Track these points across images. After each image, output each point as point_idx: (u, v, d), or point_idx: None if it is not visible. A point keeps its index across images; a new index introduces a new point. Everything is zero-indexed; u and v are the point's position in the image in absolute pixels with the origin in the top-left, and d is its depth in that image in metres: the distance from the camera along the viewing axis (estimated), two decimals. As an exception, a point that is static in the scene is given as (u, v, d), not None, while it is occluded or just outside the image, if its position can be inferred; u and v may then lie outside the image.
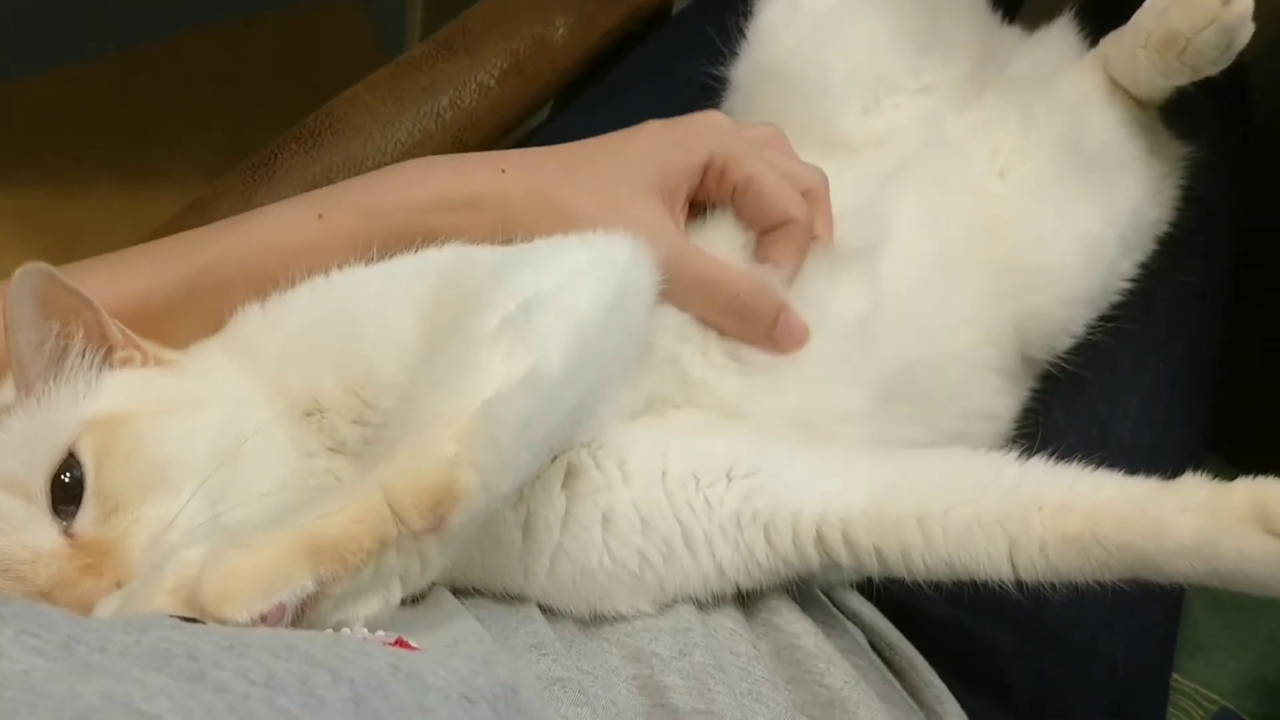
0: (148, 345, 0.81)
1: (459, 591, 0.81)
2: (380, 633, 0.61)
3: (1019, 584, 0.77)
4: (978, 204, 1.03)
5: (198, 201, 1.13)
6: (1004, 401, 1.03)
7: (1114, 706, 1.02)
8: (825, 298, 0.92)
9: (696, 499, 0.81)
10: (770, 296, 0.87)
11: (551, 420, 0.70)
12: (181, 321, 0.85)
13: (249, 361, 0.82)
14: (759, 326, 0.87)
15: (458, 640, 0.66)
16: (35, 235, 1.93)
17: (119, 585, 0.67)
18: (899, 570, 0.80)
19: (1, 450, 0.72)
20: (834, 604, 0.94)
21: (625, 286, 0.78)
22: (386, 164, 0.95)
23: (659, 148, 0.90)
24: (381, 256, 0.85)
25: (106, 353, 0.78)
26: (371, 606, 0.63)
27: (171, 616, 0.54)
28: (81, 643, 0.45)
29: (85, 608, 0.66)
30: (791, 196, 0.90)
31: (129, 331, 0.79)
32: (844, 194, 0.97)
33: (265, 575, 0.57)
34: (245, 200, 1.11)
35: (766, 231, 0.91)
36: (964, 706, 0.90)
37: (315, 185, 1.07)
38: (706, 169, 0.89)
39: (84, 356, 0.76)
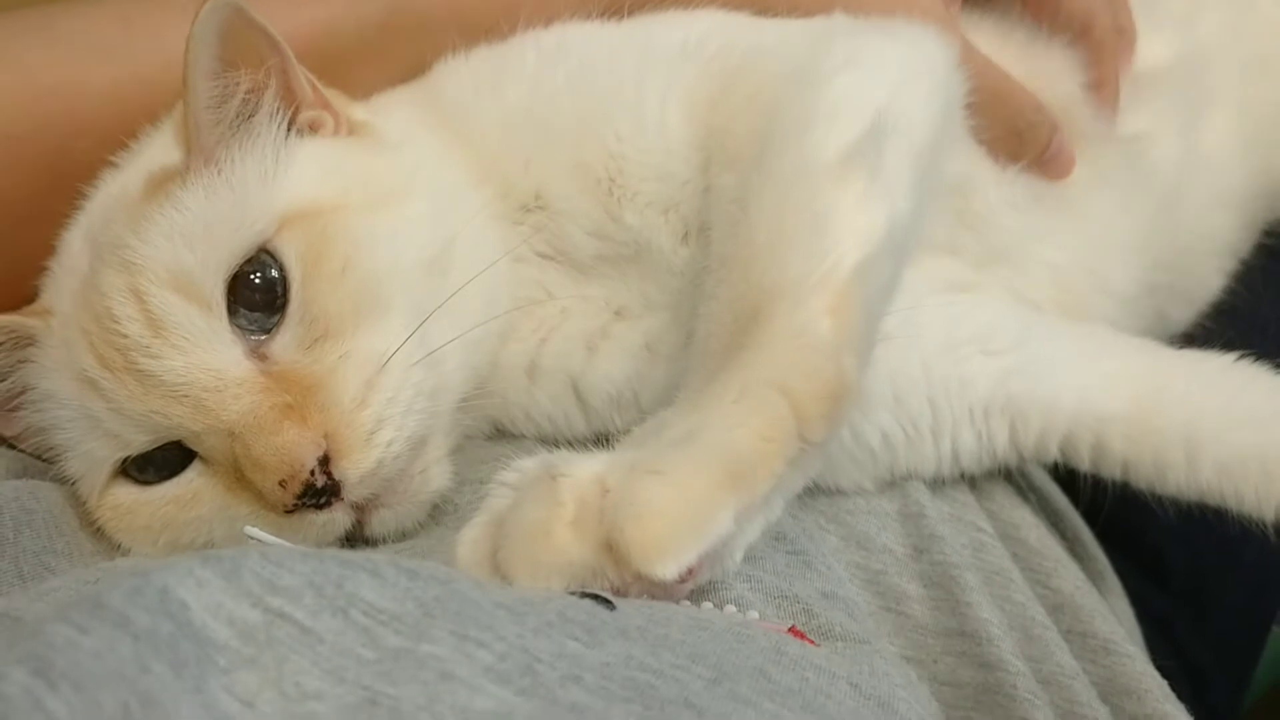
0: (337, 100, 0.65)
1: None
2: (754, 614, 0.51)
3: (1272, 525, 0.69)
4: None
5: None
6: (1217, 285, 0.92)
7: (1260, 589, 0.98)
8: (1137, 138, 0.80)
9: (952, 375, 0.70)
10: (1048, 114, 0.77)
11: (897, 277, 0.58)
12: (370, 64, 0.69)
13: (456, 131, 0.67)
14: (1035, 146, 0.77)
15: None
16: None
17: (326, 438, 0.55)
18: (1140, 485, 0.72)
19: (172, 234, 0.57)
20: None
21: (949, 100, 0.65)
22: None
23: None
24: (609, 11, 0.70)
25: (294, 113, 0.62)
26: (754, 534, 0.52)
27: (583, 596, 0.43)
28: (543, 662, 0.37)
29: (287, 464, 0.54)
30: (1117, 29, 0.77)
31: (319, 85, 0.64)
32: None
33: (691, 514, 0.45)
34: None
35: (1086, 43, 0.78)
36: (1122, 581, 0.85)
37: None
38: None
39: (273, 118, 0.61)
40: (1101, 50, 0.77)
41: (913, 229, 0.58)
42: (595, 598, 0.44)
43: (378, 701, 0.35)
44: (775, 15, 0.72)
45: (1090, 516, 0.86)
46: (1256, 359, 0.95)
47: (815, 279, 0.52)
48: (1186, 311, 0.90)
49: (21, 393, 0.62)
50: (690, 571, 0.46)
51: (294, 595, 0.37)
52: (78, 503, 0.61)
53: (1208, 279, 0.90)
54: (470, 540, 0.49)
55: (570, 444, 0.69)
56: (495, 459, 0.64)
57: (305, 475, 0.54)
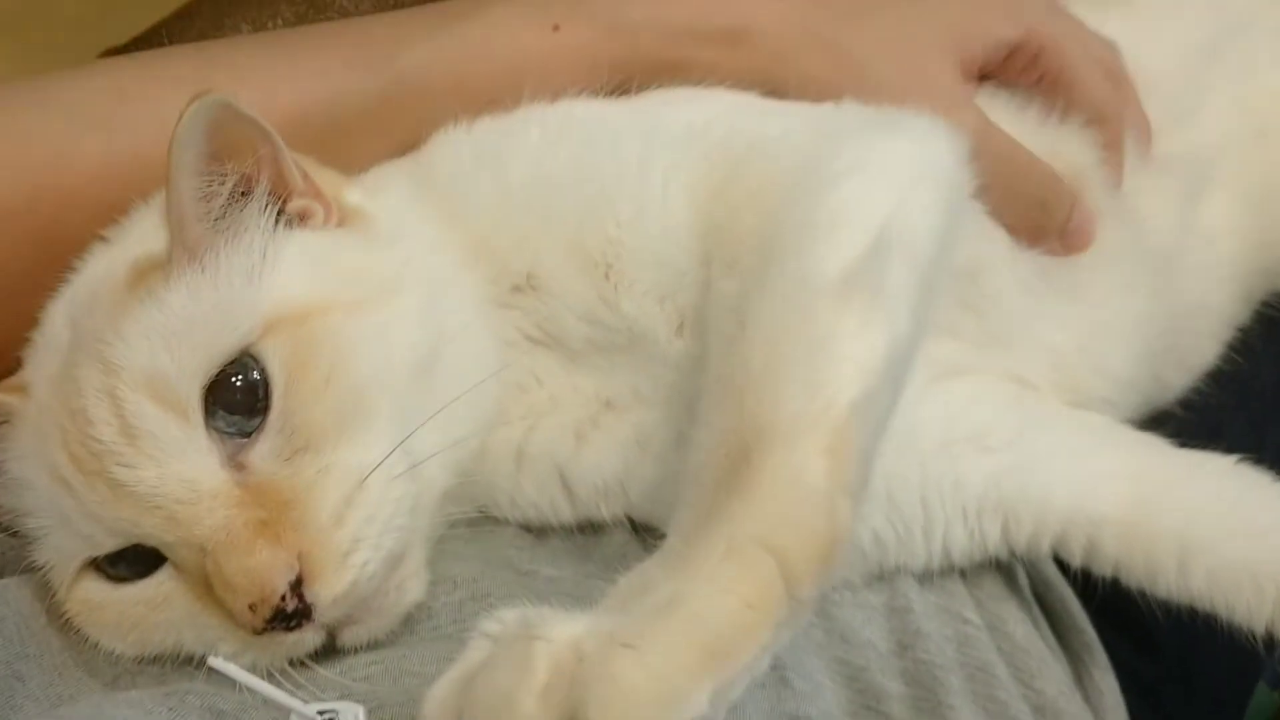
0: (329, 183, 0.63)
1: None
2: None
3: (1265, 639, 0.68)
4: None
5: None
6: (1214, 353, 0.90)
7: (1249, 652, 0.97)
8: (1135, 213, 0.78)
9: (947, 475, 0.69)
10: (1065, 186, 0.75)
11: (895, 404, 0.56)
12: (370, 136, 0.68)
13: (450, 208, 0.66)
14: (1057, 219, 0.74)
15: None
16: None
17: (300, 558, 0.54)
18: (1131, 585, 0.71)
19: (151, 334, 0.55)
20: None
21: (954, 202, 0.62)
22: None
23: (970, 6, 0.73)
24: (616, 88, 0.68)
25: (283, 203, 0.61)
26: (736, 694, 0.48)
27: None
28: None
29: (258, 587, 0.53)
30: (1109, 91, 0.75)
31: (310, 171, 0.62)
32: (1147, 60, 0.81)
33: (661, 697, 0.43)
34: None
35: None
36: (1109, 652, 0.84)
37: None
38: (1016, 49, 0.74)
39: (263, 210, 0.59)
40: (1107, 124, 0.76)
41: (914, 348, 0.56)
42: None
43: None
44: (786, 94, 0.70)
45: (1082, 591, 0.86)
46: (1252, 423, 0.94)
47: (810, 417, 0.50)
48: (1182, 378, 0.88)
49: None
50: None
51: None
52: (45, 591, 0.60)
53: (1205, 348, 0.88)
54: (438, 700, 0.48)
55: (555, 530, 0.69)
56: (472, 556, 0.64)
57: (276, 600, 0.53)
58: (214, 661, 0.50)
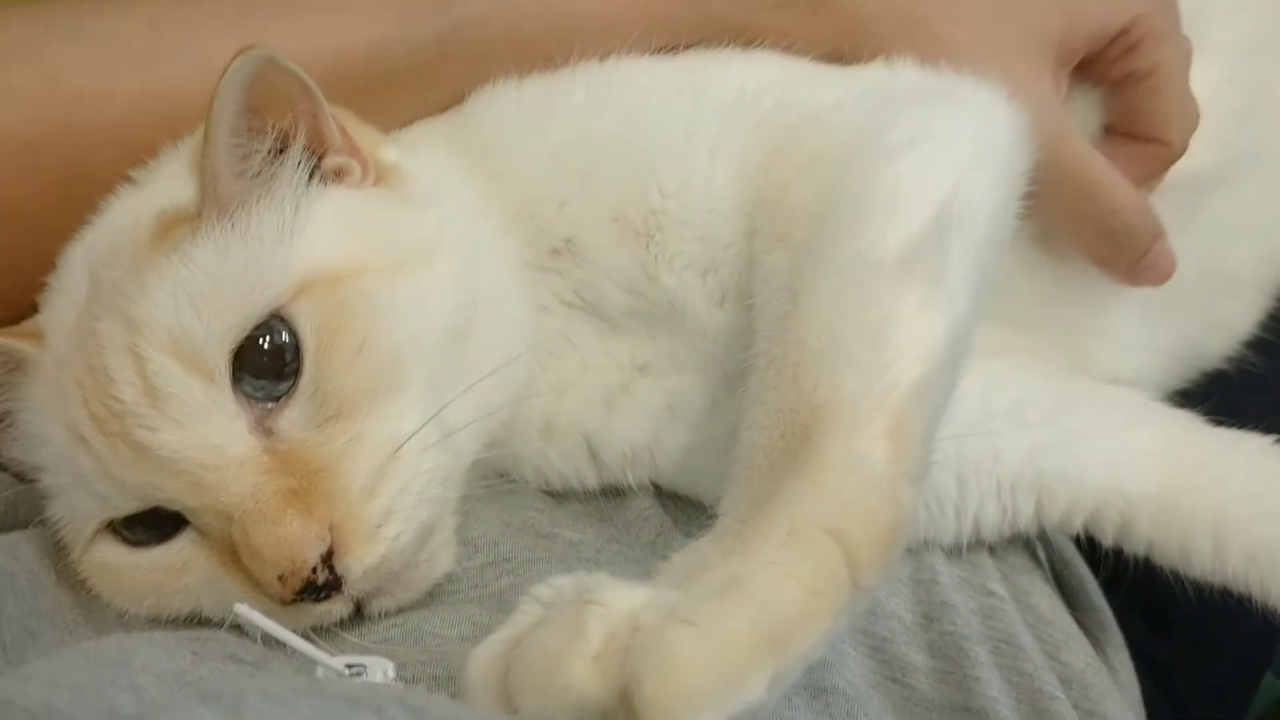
0: (366, 140, 0.61)
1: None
2: None
3: None
4: None
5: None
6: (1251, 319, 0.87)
7: (1262, 638, 0.97)
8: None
9: (984, 451, 0.67)
10: (1152, 220, 0.70)
11: (954, 388, 0.54)
12: (418, 89, 0.65)
13: (491, 167, 0.64)
14: (1130, 253, 0.70)
15: None
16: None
17: (331, 530, 0.52)
18: (1164, 565, 0.69)
19: (177, 292, 0.53)
20: None
21: (1011, 183, 0.60)
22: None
23: None
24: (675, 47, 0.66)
25: (318, 159, 0.58)
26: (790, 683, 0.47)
27: None
28: None
29: (288, 559, 0.51)
30: (1190, 112, 0.70)
31: (349, 127, 0.59)
32: None
33: (719, 677, 0.41)
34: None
35: (1121, 136, 0.71)
36: (1124, 632, 0.82)
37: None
38: (1118, 37, 0.68)
39: (298, 166, 0.57)
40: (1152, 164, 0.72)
41: (971, 331, 0.55)
42: None
43: None
44: (841, 56, 0.67)
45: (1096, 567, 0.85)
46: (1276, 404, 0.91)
47: (872, 399, 0.49)
48: (1216, 350, 0.86)
49: (5, 416, 0.60)
50: None
51: None
52: (57, 549, 0.59)
53: (1234, 313, 0.86)
54: (484, 659, 0.45)
55: (577, 494, 0.68)
56: (492, 518, 0.63)
57: (306, 573, 0.51)
58: (239, 609, 0.50)
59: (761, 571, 0.45)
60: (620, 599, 0.44)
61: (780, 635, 0.43)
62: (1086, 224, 0.69)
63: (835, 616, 0.45)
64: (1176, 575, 0.80)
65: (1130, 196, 0.68)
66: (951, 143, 0.59)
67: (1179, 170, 0.72)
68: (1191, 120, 0.70)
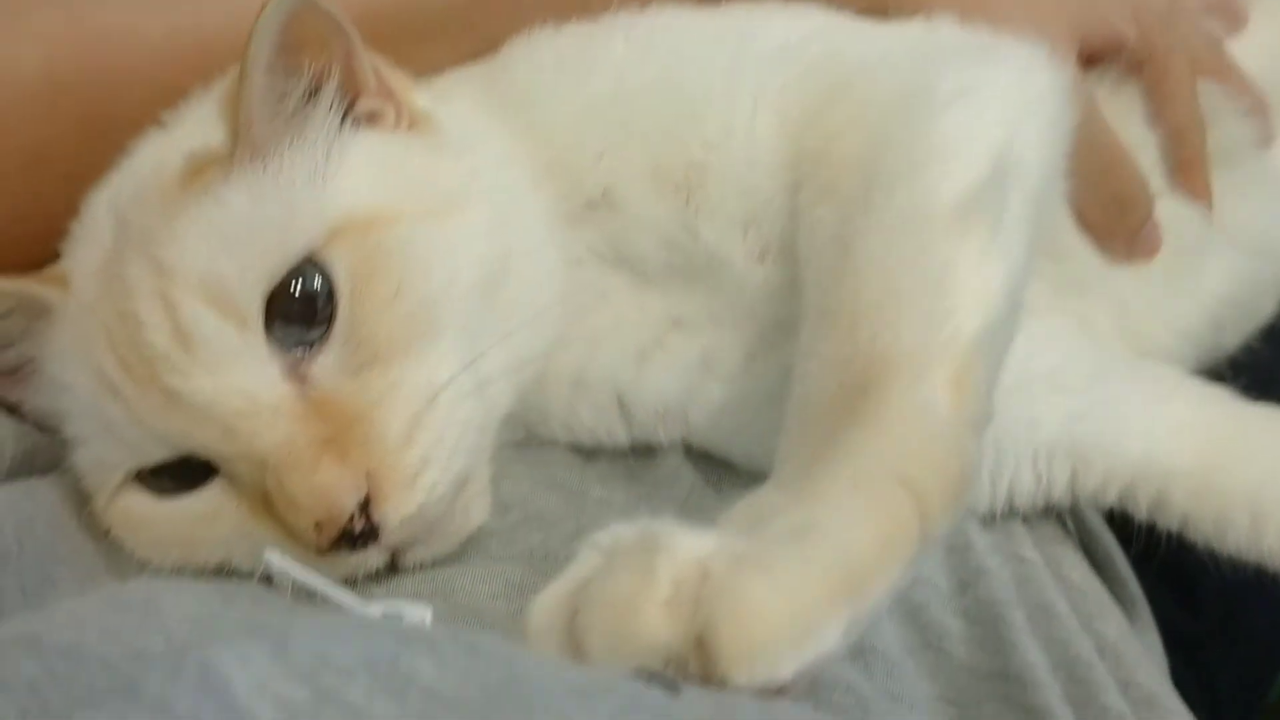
0: (400, 86, 0.60)
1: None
2: None
3: None
4: None
5: None
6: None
7: None
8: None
9: (1022, 415, 0.67)
10: (1148, 193, 0.72)
11: (1012, 340, 0.54)
12: (453, 38, 0.65)
13: (525, 118, 0.63)
14: (1130, 224, 0.72)
15: None
16: None
17: (367, 478, 0.51)
18: (1198, 540, 0.68)
19: (209, 236, 0.52)
20: None
21: (1061, 137, 0.60)
22: None
23: None
24: None
25: (351, 102, 0.57)
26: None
27: (651, 684, 0.38)
28: None
29: (325, 507, 0.50)
30: (1192, 115, 0.74)
31: (383, 70, 0.58)
32: None
33: (796, 623, 0.40)
34: None
35: None
36: (1152, 606, 0.81)
37: None
38: (1125, 50, 0.73)
39: (331, 109, 0.56)
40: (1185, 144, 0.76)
41: (1026, 283, 0.54)
42: (654, 676, 0.40)
43: None
44: (882, 12, 0.66)
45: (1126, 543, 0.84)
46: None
47: (934, 349, 0.48)
48: (1238, 336, 0.86)
49: (28, 362, 0.59)
50: (782, 689, 0.41)
51: (347, 673, 0.33)
52: (79, 496, 0.58)
53: (1265, 302, 0.86)
54: (547, 607, 0.44)
55: (606, 452, 0.67)
56: (522, 475, 0.62)
57: (343, 520, 0.50)
58: (271, 556, 0.49)
59: (833, 519, 0.44)
60: (688, 545, 0.43)
61: (855, 583, 0.42)
62: (1101, 193, 0.70)
63: (906, 566, 0.44)
64: (1207, 552, 0.80)
65: (1139, 175, 0.71)
66: (1001, 95, 0.58)
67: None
68: (1199, 125, 0.74)
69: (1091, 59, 0.73)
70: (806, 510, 0.44)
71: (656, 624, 0.40)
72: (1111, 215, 0.71)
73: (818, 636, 0.40)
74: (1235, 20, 0.82)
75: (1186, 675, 0.93)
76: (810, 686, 0.46)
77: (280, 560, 0.50)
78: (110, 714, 0.30)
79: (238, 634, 0.33)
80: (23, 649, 0.34)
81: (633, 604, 0.41)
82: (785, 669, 0.39)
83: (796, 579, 0.41)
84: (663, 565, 0.41)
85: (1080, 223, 0.72)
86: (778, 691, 0.40)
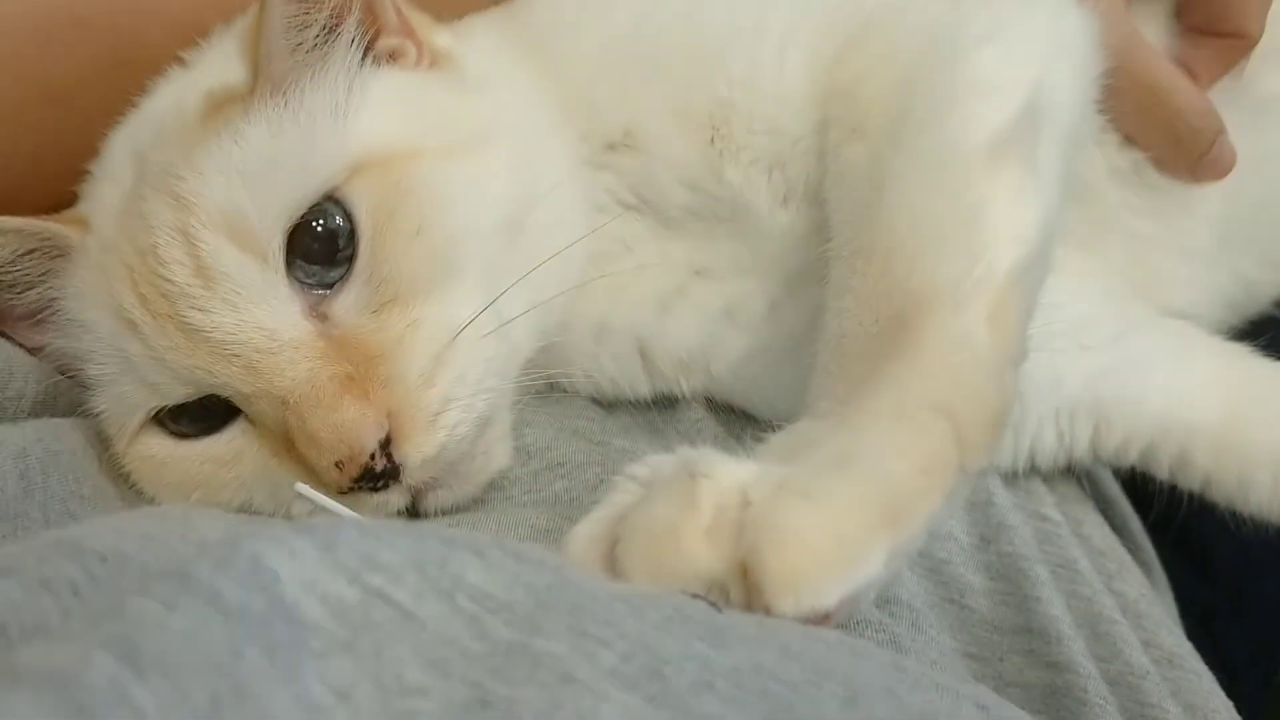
0: (421, 26, 0.59)
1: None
2: None
3: None
4: None
5: None
6: None
7: None
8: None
9: (1045, 370, 0.66)
10: (1214, 119, 0.70)
11: (1045, 278, 0.54)
12: None
13: (546, 57, 0.62)
14: (1192, 152, 0.70)
15: None
16: None
17: (389, 417, 0.51)
18: (1219, 500, 0.68)
19: (229, 171, 0.51)
20: None
21: (1089, 79, 0.59)
22: None
23: None
24: None
25: (373, 38, 0.56)
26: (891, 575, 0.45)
27: (695, 600, 0.38)
28: (671, 664, 0.32)
29: (346, 444, 0.50)
30: (1260, 6, 0.69)
31: (404, 8, 0.57)
32: None
33: (840, 551, 0.40)
34: None
35: (1200, 33, 0.71)
36: (1166, 572, 0.81)
37: None
38: None
39: (352, 44, 0.55)
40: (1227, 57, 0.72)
41: (1058, 222, 0.54)
42: (698, 599, 0.40)
43: (490, 703, 0.30)
44: None
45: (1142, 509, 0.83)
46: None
47: (971, 282, 0.48)
48: (1269, 273, 0.84)
49: (48, 305, 0.58)
50: (826, 616, 0.41)
51: (395, 574, 0.32)
52: (100, 440, 0.57)
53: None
54: (586, 536, 0.44)
55: (627, 404, 0.66)
56: (544, 423, 0.61)
57: (364, 459, 0.50)
58: (301, 487, 0.49)
59: (873, 448, 0.44)
60: (729, 472, 0.43)
61: (896, 511, 0.42)
62: (1153, 127, 0.69)
63: (946, 496, 0.44)
64: (1222, 520, 0.79)
65: (1195, 99, 0.69)
66: (1032, 36, 0.58)
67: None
68: (1267, 4, 0.70)
69: None
70: (847, 440, 0.44)
71: (698, 551, 0.40)
72: (1171, 146, 0.70)
73: (861, 564, 0.40)
74: None
75: (1202, 645, 0.92)
76: (847, 622, 0.45)
77: (310, 491, 0.49)
78: (160, 600, 0.29)
79: (286, 528, 0.32)
80: (65, 552, 0.34)
81: (674, 532, 0.40)
82: (829, 597, 0.39)
83: (840, 507, 0.41)
84: (704, 492, 0.41)
85: (1142, 153, 0.71)
86: (821, 620, 0.40)
